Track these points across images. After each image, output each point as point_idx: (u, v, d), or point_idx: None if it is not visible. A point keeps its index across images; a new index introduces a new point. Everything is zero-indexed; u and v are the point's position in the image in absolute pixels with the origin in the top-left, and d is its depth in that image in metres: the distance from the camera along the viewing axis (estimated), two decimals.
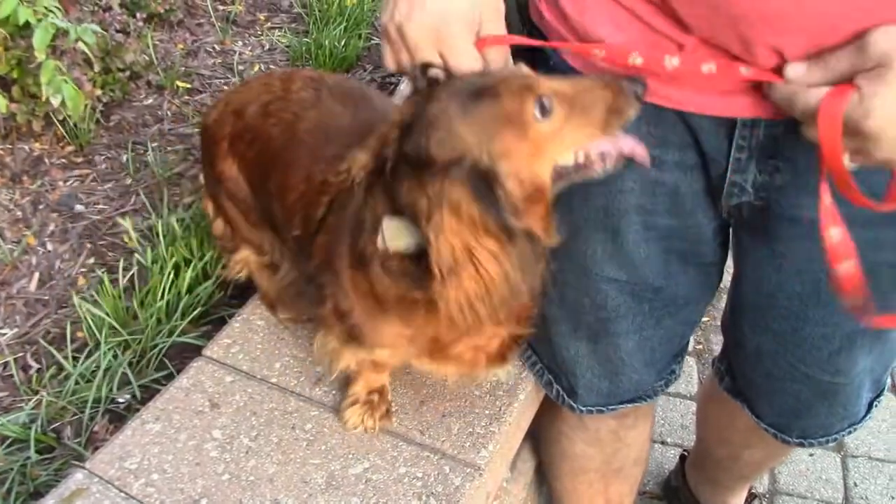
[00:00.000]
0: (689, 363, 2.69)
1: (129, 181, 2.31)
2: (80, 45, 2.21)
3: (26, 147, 2.38)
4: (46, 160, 2.36)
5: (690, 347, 2.76)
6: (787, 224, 1.16)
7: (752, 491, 2.24)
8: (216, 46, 2.96)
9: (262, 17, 3.21)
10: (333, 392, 1.56)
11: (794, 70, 0.94)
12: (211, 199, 1.63)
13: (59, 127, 2.38)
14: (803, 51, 0.92)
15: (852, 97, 0.87)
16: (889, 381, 2.68)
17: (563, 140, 1.01)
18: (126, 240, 2.02)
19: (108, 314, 1.79)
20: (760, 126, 1.07)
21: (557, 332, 1.44)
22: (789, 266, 1.21)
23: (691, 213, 1.21)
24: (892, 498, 2.38)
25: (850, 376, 1.33)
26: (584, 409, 1.52)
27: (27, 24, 2.11)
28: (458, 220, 0.95)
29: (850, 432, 1.46)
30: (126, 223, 2.03)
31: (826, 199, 0.96)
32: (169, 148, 2.44)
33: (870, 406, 1.45)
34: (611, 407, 1.51)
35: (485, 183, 0.96)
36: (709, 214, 1.22)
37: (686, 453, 2.27)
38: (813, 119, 0.90)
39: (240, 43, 3.02)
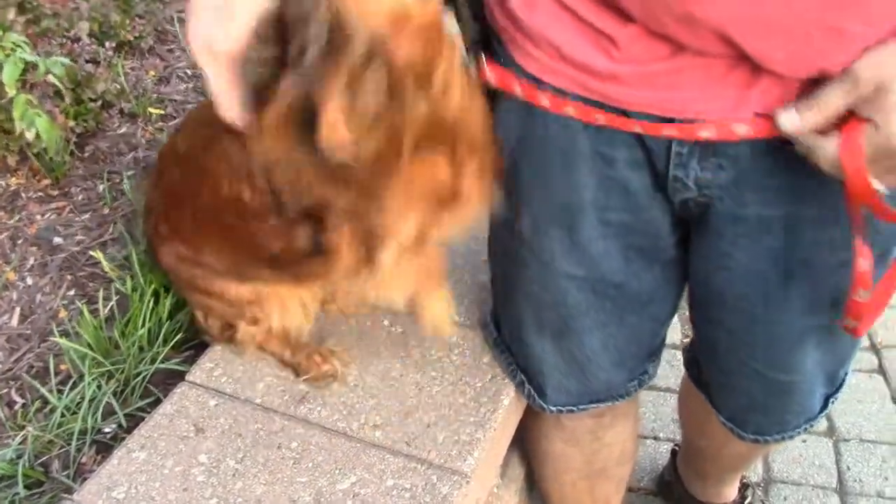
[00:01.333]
0: (677, 357, 2.70)
1: (106, 211, 2.31)
2: (51, 77, 2.22)
3: (2, 182, 2.38)
4: (23, 194, 2.36)
5: (678, 340, 2.77)
6: (731, 222, 1.17)
7: (745, 480, 2.25)
8: (188, 71, 2.96)
9: None
10: (318, 409, 1.57)
11: (787, 119, 0.95)
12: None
13: (35, 160, 2.38)
14: (752, 38, 0.91)
15: (867, 130, 0.89)
16: (877, 361, 2.70)
17: None
18: (107, 269, 2.02)
19: (90, 346, 1.79)
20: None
21: (525, 331, 1.45)
22: (735, 265, 1.21)
23: (646, 209, 1.21)
24: (886, 479, 2.39)
25: (802, 373, 1.33)
26: (553, 408, 1.52)
27: None
28: None
29: (805, 429, 1.47)
30: (99, 255, 2.03)
31: (857, 237, 1.02)
32: (145, 176, 2.44)
33: (826, 401, 1.45)
34: (581, 406, 1.51)
35: None
36: (664, 209, 1.22)
37: (677, 448, 2.28)
38: (839, 166, 0.92)
39: None
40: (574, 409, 1.52)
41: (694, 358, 1.59)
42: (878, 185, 0.93)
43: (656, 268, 1.33)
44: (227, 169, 1.26)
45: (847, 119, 0.92)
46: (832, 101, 0.91)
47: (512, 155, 1.22)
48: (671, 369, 2.69)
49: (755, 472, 2.42)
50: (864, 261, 1.03)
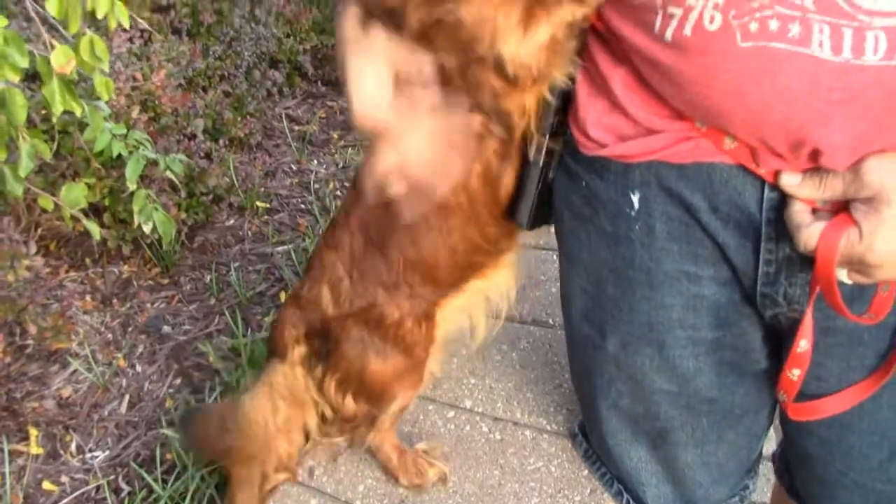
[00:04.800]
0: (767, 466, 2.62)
1: (212, 301, 2.40)
2: (168, 173, 2.34)
3: (116, 270, 2.49)
4: (135, 282, 2.46)
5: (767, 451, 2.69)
6: (822, 334, 1.15)
7: None
8: (293, 166, 3.08)
9: (335, 135, 3.34)
10: None
11: (789, 179, 0.97)
12: None
13: (147, 250, 2.50)
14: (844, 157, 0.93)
15: (851, 233, 0.90)
16: None
17: None
18: (212, 360, 2.09)
19: None
20: (785, 242, 1.07)
21: (618, 442, 1.44)
22: (828, 375, 1.20)
23: (736, 324, 1.21)
24: None
25: None
26: None
27: (119, 156, 2.24)
28: None
29: None
30: (208, 347, 2.10)
31: (809, 313, 1.02)
32: (250, 268, 2.53)
33: None
34: None
35: None
36: (754, 323, 1.21)
37: None
38: (813, 252, 0.95)
39: (315, 161, 3.14)
40: None
41: (786, 468, 1.55)
42: (842, 277, 0.95)
43: (749, 380, 1.32)
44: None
45: (839, 211, 0.93)
46: (833, 185, 0.92)
47: (594, 276, 1.24)
48: (764, 481, 2.61)
49: None
50: (804, 342, 1.05)
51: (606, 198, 1.17)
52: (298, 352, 1.51)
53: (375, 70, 1.13)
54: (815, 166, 0.95)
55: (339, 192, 2.98)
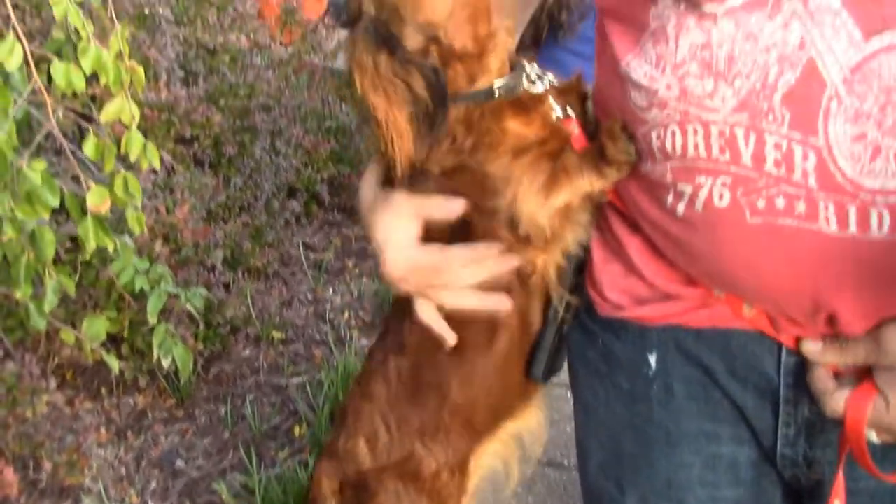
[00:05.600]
0: None
1: (227, 435, 2.39)
2: (188, 305, 2.37)
3: (131, 401, 2.50)
4: (150, 414, 2.46)
5: None
6: (848, 495, 1.15)
7: None
8: (309, 295, 3.11)
9: (350, 263, 3.39)
10: None
11: (811, 346, 0.98)
12: None
13: (163, 380, 2.50)
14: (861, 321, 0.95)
15: (878, 401, 0.91)
16: None
17: None
18: (225, 498, 2.07)
19: None
20: (804, 404, 1.08)
21: None
22: None
23: (755, 482, 1.20)
24: None
25: None
26: None
27: (141, 289, 2.28)
28: (361, 74, 1.04)
29: None
30: (221, 486, 2.09)
31: (840, 474, 1.01)
32: (265, 400, 2.54)
33: None
34: None
35: (382, 33, 1.05)
36: (774, 482, 1.20)
37: None
38: (841, 417, 0.95)
39: (330, 290, 3.17)
40: None
41: None
42: (871, 437, 0.95)
43: None
44: None
45: (864, 377, 0.94)
46: (855, 352, 0.93)
47: (612, 431, 1.25)
48: None
49: None
50: (837, 502, 1.03)
51: (624, 357, 1.18)
52: None
53: (402, 225, 1.17)
54: (834, 332, 0.97)
55: (353, 322, 3.01)
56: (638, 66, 0.95)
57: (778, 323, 1.02)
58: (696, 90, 0.89)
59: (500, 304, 1.19)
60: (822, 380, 1.01)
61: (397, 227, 1.17)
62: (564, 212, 1.11)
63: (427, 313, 1.18)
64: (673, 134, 0.94)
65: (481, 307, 1.17)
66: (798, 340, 1.00)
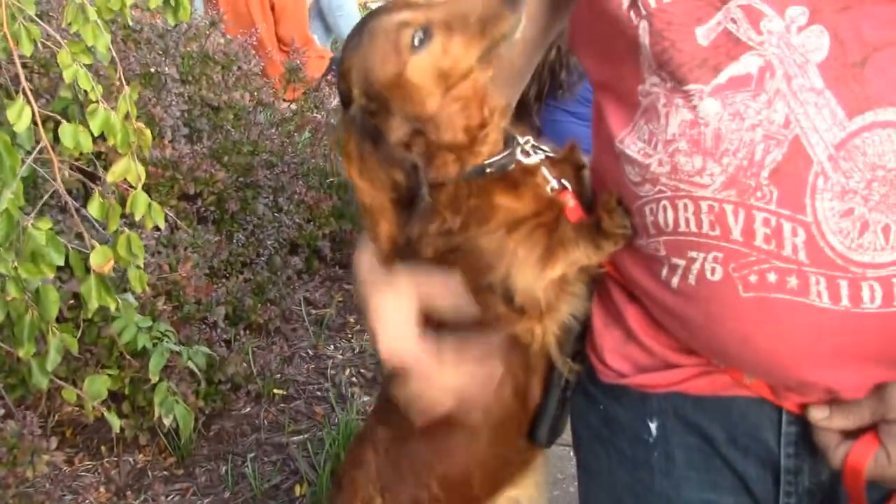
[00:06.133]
0: None
1: (227, 495, 2.37)
2: (190, 363, 2.36)
3: (131, 459, 2.48)
4: (149, 472, 2.45)
5: None
6: None
7: None
8: (310, 351, 3.11)
9: (351, 319, 3.38)
10: None
11: (817, 413, 0.98)
12: None
13: (163, 438, 2.49)
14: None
15: (879, 455, 0.91)
16: None
17: (449, 62, 1.03)
18: None
19: None
20: (804, 473, 1.08)
21: None
22: None
23: None
24: None
25: None
26: None
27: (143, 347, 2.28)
28: (347, 159, 1.05)
29: None
30: None
31: None
32: (265, 458, 2.52)
33: None
34: None
35: (368, 126, 1.05)
36: None
37: None
38: (841, 469, 0.95)
39: (332, 347, 3.17)
40: None
41: None
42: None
43: None
44: None
45: (866, 429, 0.94)
46: (861, 413, 0.93)
47: (615, 496, 1.24)
48: None
49: None
50: None
51: (625, 422, 1.18)
52: None
53: (399, 306, 1.16)
54: (833, 398, 0.97)
55: (354, 379, 3.00)
56: (632, 143, 0.97)
57: (779, 391, 1.02)
58: (686, 167, 0.91)
59: (487, 383, 1.17)
60: (826, 435, 1.01)
61: (394, 310, 1.16)
62: (560, 283, 1.11)
63: (402, 395, 1.17)
64: (664, 209, 0.95)
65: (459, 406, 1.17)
66: (802, 406, 1.00)
